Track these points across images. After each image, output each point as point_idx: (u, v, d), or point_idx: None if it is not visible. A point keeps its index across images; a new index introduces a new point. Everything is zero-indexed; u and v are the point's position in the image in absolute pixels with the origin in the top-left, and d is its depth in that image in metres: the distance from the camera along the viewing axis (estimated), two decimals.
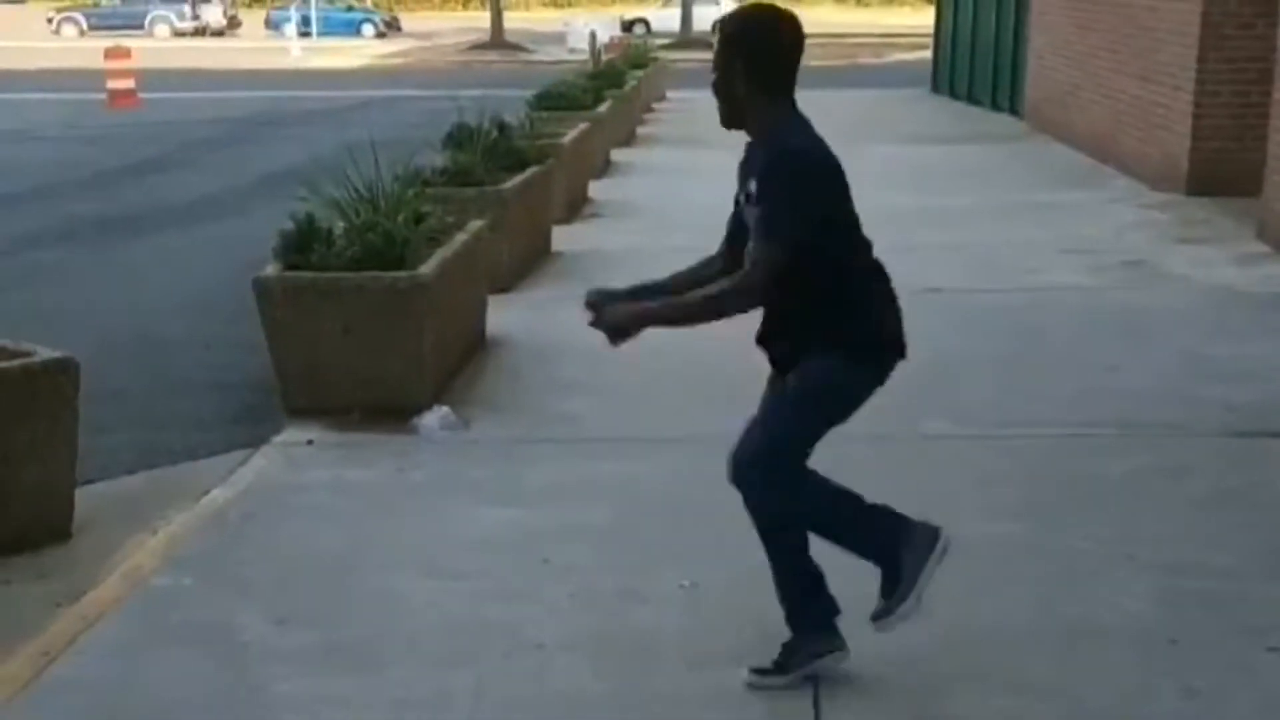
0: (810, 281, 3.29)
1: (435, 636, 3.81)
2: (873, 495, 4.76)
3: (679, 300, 3.42)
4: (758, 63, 3.26)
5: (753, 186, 3.27)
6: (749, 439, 3.39)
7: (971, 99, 18.81)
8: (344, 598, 4.07)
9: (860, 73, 27.40)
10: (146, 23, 46.57)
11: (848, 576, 3.50)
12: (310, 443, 5.46)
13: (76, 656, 3.74)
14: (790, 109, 3.32)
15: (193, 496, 4.93)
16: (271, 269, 5.85)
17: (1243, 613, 3.85)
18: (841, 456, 5.14)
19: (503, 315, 7.12)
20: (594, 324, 3.34)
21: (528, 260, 8.46)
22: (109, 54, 21.69)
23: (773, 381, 3.49)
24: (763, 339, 3.46)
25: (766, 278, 3.23)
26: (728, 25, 3.34)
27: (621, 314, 3.34)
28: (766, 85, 3.27)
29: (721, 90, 3.32)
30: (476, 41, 40.37)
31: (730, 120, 3.36)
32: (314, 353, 5.71)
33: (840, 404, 3.42)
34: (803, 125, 3.31)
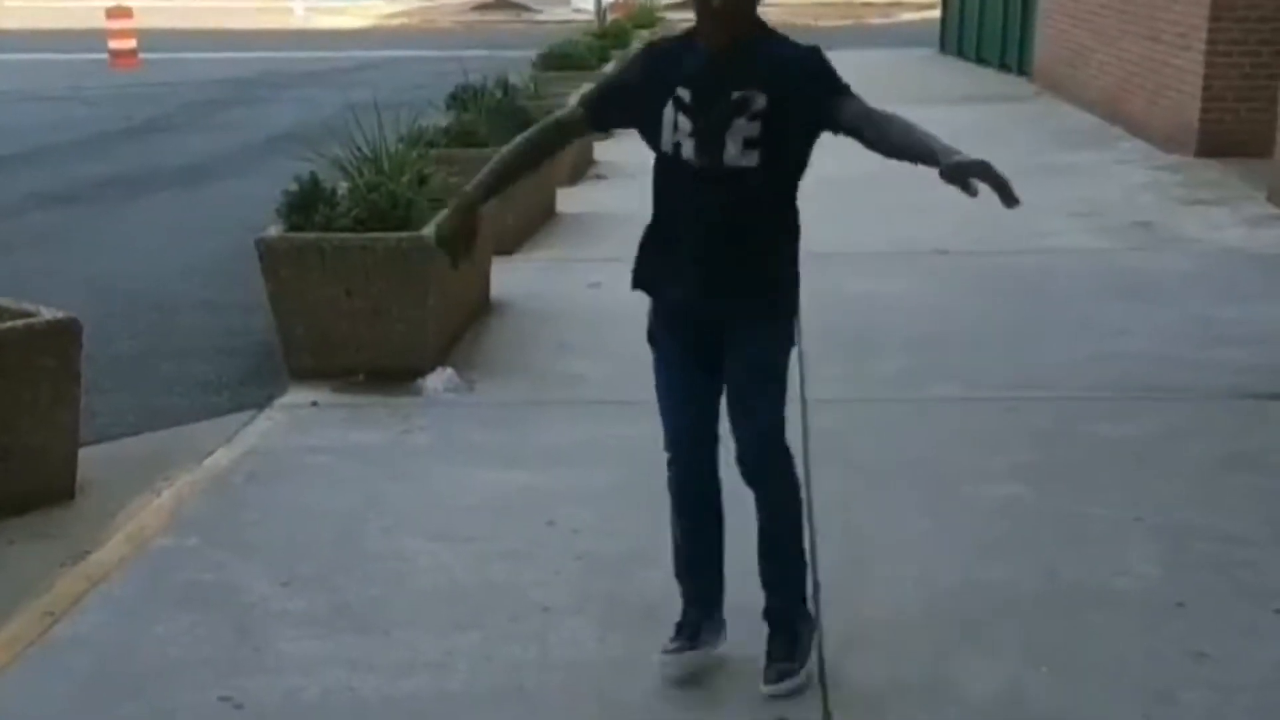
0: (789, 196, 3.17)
1: (440, 598, 3.80)
2: (880, 459, 4.77)
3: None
4: None
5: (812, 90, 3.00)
6: (769, 409, 3.21)
7: (980, 59, 18.66)
8: (349, 559, 4.06)
9: (868, 33, 27.21)
10: None
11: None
12: (314, 404, 5.44)
13: (80, 617, 3.74)
14: None
15: (196, 458, 4.92)
16: (274, 230, 5.82)
17: (1251, 576, 3.83)
18: (846, 419, 5.15)
19: (507, 277, 7.09)
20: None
21: (532, 222, 8.41)
22: (110, 14, 21.55)
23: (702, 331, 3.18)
24: (719, 267, 3.10)
25: None
26: None
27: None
28: None
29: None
30: (481, 1, 40.11)
31: (739, 25, 3.01)
32: (317, 314, 5.69)
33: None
34: None
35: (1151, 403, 5.26)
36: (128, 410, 5.59)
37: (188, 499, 4.58)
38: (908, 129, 3.03)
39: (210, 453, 4.96)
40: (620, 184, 10.24)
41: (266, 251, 5.71)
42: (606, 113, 3.30)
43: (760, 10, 3.08)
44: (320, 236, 5.71)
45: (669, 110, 3.05)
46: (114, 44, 21.02)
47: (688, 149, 3.05)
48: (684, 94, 3.04)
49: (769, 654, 3.30)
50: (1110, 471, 4.60)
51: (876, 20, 32.80)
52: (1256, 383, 5.43)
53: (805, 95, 3.02)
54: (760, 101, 2.99)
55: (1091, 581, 3.81)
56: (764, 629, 3.36)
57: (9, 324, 4.49)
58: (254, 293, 6.08)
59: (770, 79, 3.01)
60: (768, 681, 3.25)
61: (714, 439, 3.28)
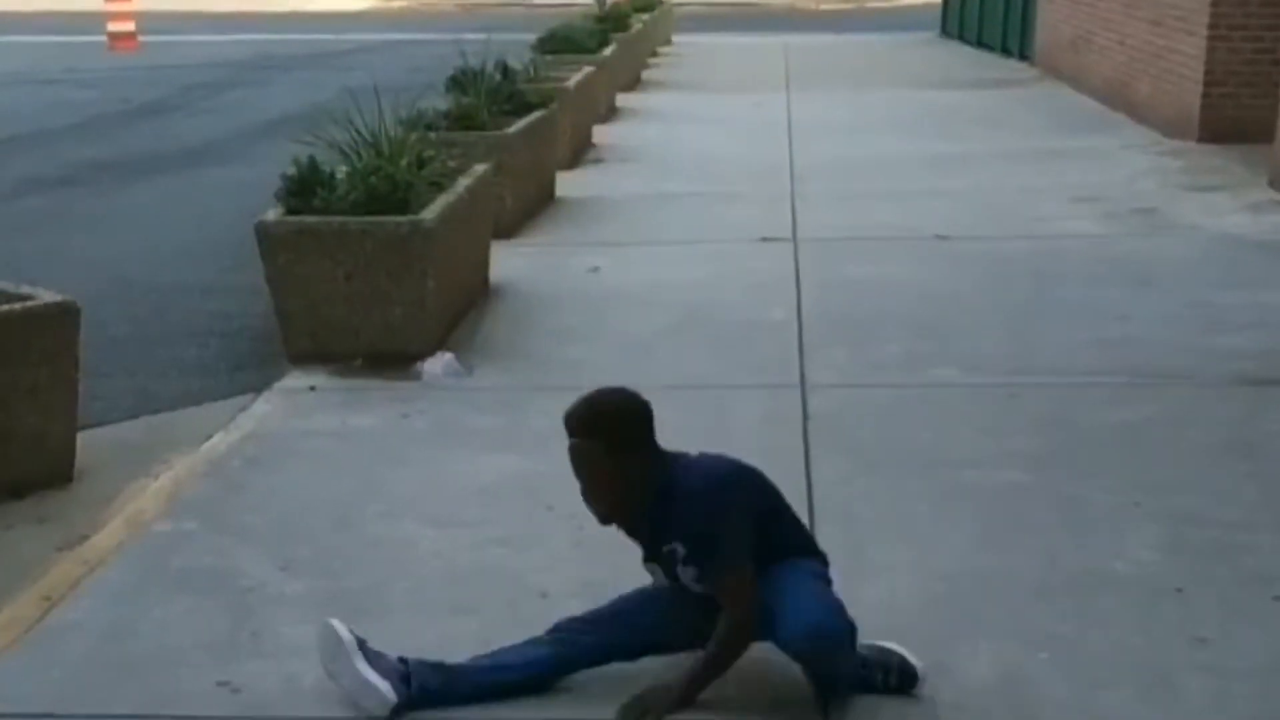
0: None
1: (439, 583, 3.80)
2: (880, 444, 4.76)
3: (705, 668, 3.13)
4: (636, 436, 3.10)
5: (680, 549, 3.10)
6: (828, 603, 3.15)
7: (981, 44, 18.62)
8: (347, 544, 4.05)
9: (868, 17, 27.15)
10: None
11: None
12: (313, 389, 5.43)
13: (78, 601, 3.73)
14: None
15: (194, 442, 4.92)
16: (273, 214, 5.80)
17: (1250, 562, 3.83)
18: (848, 406, 5.14)
19: (506, 261, 7.08)
20: None
21: (531, 205, 8.39)
22: None
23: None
24: None
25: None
26: (594, 426, 3.06)
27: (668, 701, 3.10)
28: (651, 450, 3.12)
29: (621, 499, 3.11)
30: None
31: (630, 511, 3.14)
32: (316, 298, 5.67)
33: None
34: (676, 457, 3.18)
35: (1152, 388, 5.25)
36: (126, 394, 5.58)
37: (185, 483, 4.57)
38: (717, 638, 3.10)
39: (208, 437, 4.96)
40: (619, 167, 10.22)
41: (265, 235, 5.69)
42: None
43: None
44: (319, 220, 5.69)
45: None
46: (112, 26, 20.96)
47: (661, 582, 3.23)
48: (642, 550, 3.23)
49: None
50: (1110, 457, 4.59)
51: (877, 3, 32.70)
52: (1257, 368, 5.42)
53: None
54: (681, 550, 3.10)
55: (1091, 567, 3.81)
56: None
57: (7, 307, 4.48)
58: (252, 276, 6.06)
59: (677, 530, 3.09)
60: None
61: None
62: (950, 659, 3.33)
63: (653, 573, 3.26)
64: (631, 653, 3.24)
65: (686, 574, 3.14)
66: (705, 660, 3.11)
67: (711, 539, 3.05)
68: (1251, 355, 5.56)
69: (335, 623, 3.19)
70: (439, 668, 3.21)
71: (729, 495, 3.10)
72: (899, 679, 3.19)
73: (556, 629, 3.29)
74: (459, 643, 3.46)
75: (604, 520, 3.19)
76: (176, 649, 3.46)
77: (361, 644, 3.17)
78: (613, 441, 3.07)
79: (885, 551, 3.91)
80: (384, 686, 3.11)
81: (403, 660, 3.19)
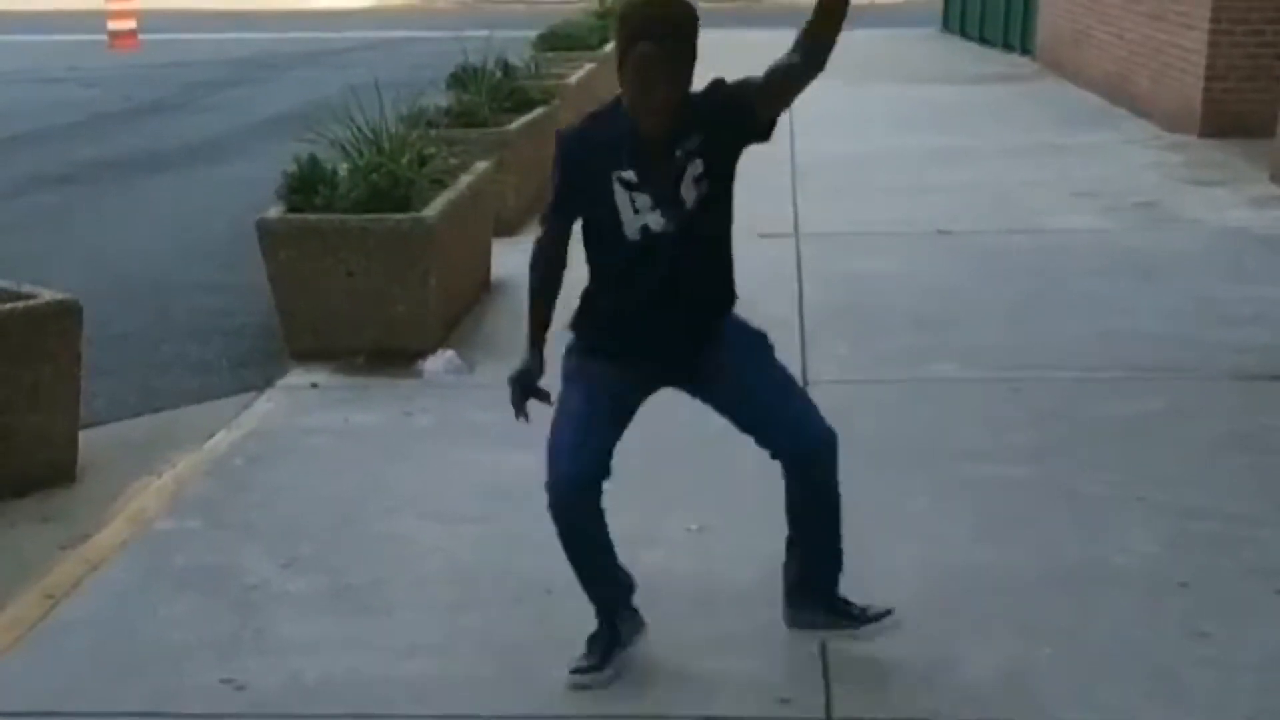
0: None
1: (442, 580, 3.80)
2: (882, 438, 4.76)
3: None
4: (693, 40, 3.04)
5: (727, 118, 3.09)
6: (813, 411, 3.31)
7: (983, 39, 18.59)
8: (350, 541, 4.06)
9: (869, 12, 27.10)
10: None
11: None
12: (315, 386, 5.44)
13: (81, 599, 3.74)
14: None
15: (197, 440, 4.92)
16: (274, 211, 5.80)
17: (1253, 555, 3.83)
18: (850, 400, 5.14)
19: (508, 258, 7.05)
20: None
21: (533, 202, 8.38)
22: None
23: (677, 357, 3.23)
24: (701, 293, 3.21)
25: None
26: (684, 23, 3.00)
27: None
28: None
29: (678, 92, 3.02)
30: None
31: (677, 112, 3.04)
32: (317, 296, 5.68)
33: None
34: None
35: (1154, 382, 5.25)
36: (128, 392, 5.58)
37: (188, 481, 4.57)
38: (788, 55, 3.07)
39: (211, 435, 4.96)
40: None
41: (266, 233, 5.70)
42: (571, 212, 3.25)
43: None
44: (320, 218, 5.70)
45: (620, 196, 3.08)
46: (113, 24, 20.95)
47: (655, 222, 3.08)
48: (628, 175, 3.07)
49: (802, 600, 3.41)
50: (1112, 451, 4.59)
51: None
52: (1259, 362, 5.42)
53: (730, 122, 3.09)
54: (697, 142, 3.06)
55: (1093, 561, 3.81)
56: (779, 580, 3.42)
57: (9, 306, 4.48)
58: (254, 274, 6.06)
59: (699, 121, 3.07)
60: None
61: (601, 485, 3.24)
62: (952, 653, 3.33)
63: (633, 213, 3.10)
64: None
65: (689, 176, 3.06)
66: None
67: (730, 85, 3.09)
68: (1253, 349, 5.56)
69: None
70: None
71: None
72: (875, 613, 3.37)
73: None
74: (462, 639, 3.47)
75: (660, 120, 3.03)
76: (180, 646, 3.47)
77: None
78: (694, 42, 3.03)
79: (887, 545, 3.91)
80: None
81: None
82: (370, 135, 6.20)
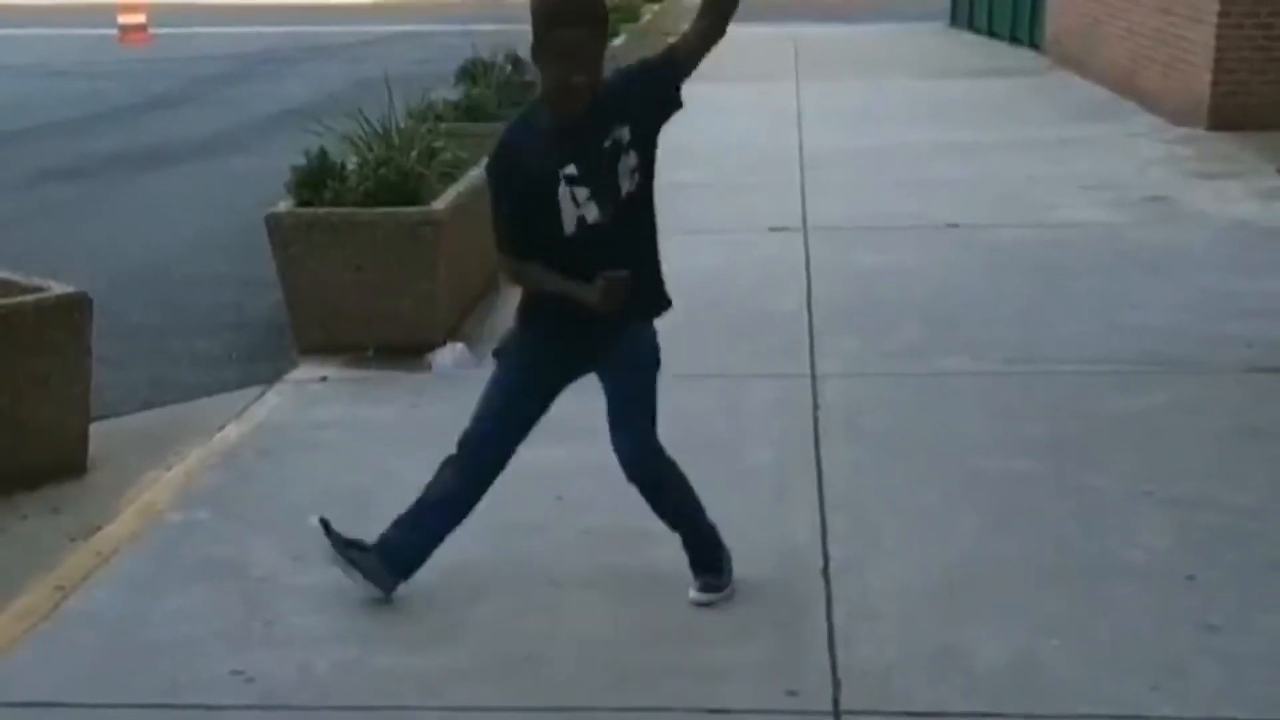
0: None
1: (450, 573, 3.80)
2: (891, 432, 4.76)
3: None
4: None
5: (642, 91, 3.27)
6: (647, 427, 3.48)
7: (991, 33, 18.56)
8: (359, 534, 4.05)
9: (877, 7, 27.07)
10: None
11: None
12: (324, 379, 5.45)
13: (91, 591, 3.75)
14: None
15: (207, 433, 4.94)
16: (284, 205, 5.82)
17: (1261, 548, 3.83)
18: (859, 394, 5.14)
19: None
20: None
21: None
22: None
23: (600, 344, 3.39)
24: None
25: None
26: (597, 8, 3.20)
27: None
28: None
29: (595, 74, 3.20)
30: None
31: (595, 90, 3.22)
32: (327, 289, 5.69)
33: None
34: None
35: (1163, 375, 5.24)
36: (138, 385, 5.60)
37: (198, 474, 4.59)
38: (694, 21, 3.30)
39: (221, 428, 4.98)
40: None
41: (276, 226, 5.71)
42: (519, 217, 3.32)
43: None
44: (330, 211, 5.71)
45: (563, 191, 3.22)
46: (124, 19, 21.02)
47: (592, 214, 3.24)
48: (570, 170, 3.22)
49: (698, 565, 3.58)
50: (1121, 444, 4.59)
51: None
52: (1267, 356, 5.41)
53: (652, 98, 3.27)
54: (626, 133, 3.22)
55: (1102, 554, 3.81)
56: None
57: (20, 299, 4.50)
58: (264, 268, 6.08)
59: (615, 114, 3.23)
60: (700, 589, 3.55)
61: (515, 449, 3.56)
62: (961, 645, 3.34)
63: (574, 206, 3.23)
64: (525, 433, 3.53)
65: (625, 167, 3.22)
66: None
67: (647, 64, 3.32)
68: (1262, 342, 5.55)
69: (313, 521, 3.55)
70: (382, 548, 3.57)
71: None
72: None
73: (461, 453, 3.53)
74: (471, 631, 3.48)
75: (577, 103, 3.19)
76: (190, 638, 3.48)
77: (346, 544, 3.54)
78: (608, 26, 3.25)
79: (896, 539, 3.91)
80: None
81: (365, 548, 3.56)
82: (379, 129, 6.21)
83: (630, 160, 3.24)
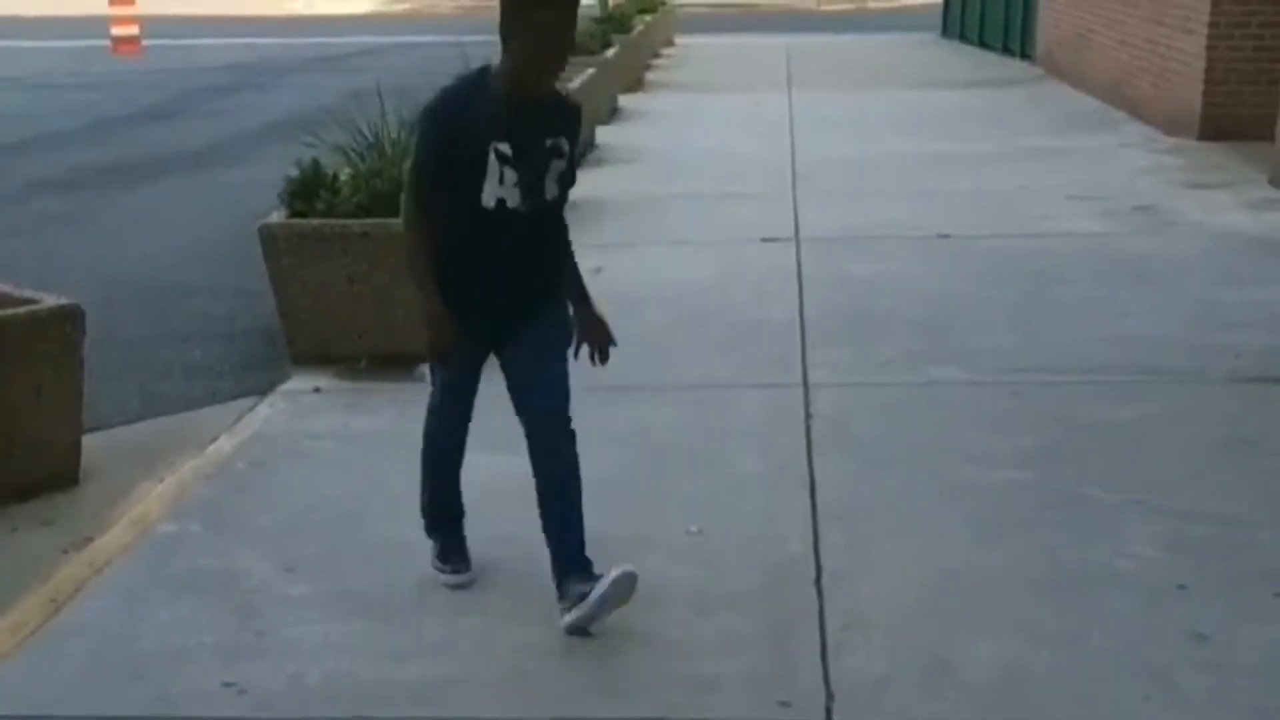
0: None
1: (441, 583, 3.81)
2: (882, 442, 4.78)
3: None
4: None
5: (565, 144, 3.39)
6: (562, 386, 3.56)
7: (983, 44, 18.64)
8: (352, 545, 4.07)
9: (869, 17, 27.17)
10: None
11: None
12: (317, 390, 5.45)
13: (83, 603, 3.75)
14: None
15: (199, 444, 4.93)
16: (276, 216, 5.82)
17: (1252, 559, 3.84)
18: (850, 404, 5.15)
19: None
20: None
21: None
22: (113, 0, 21.54)
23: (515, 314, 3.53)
24: (528, 272, 3.46)
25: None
26: None
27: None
28: None
29: (565, 58, 3.32)
30: None
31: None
32: (319, 300, 5.69)
33: None
34: None
35: (1153, 386, 5.26)
36: (131, 396, 5.60)
37: (191, 485, 4.59)
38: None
39: (213, 439, 4.97)
40: (621, 168, 10.24)
41: (269, 238, 5.71)
42: (443, 171, 3.36)
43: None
44: (322, 223, 5.71)
45: (492, 163, 3.28)
46: (116, 30, 21.01)
47: (513, 198, 3.31)
48: (504, 148, 3.28)
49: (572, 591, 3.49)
50: (1111, 454, 4.60)
51: (878, 4, 32.71)
52: (1257, 366, 5.43)
53: (578, 138, 3.47)
54: (565, 145, 3.37)
55: (1092, 564, 3.82)
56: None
57: (11, 311, 4.50)
58: (256, 279, 6.08)
59: (563, 125, 3.39)
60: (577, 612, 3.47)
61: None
62: (952, 656, 3.34)
63: (498, 184, 3.29)
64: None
65: (555, 171, 3.35)
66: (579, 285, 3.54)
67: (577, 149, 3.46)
68: (1252, 352, 5.58)
69: None
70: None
71: None
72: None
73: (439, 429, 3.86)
74: (463, 642, 3.48)
75: (546, 84, 3.31)
76: (182, 650, 3.48)
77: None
78: (577, 8, 3.33)
79: (887, 549, 3.92)
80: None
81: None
82: (372, 140, 6.21)
83: (560, 167, 3.36)
